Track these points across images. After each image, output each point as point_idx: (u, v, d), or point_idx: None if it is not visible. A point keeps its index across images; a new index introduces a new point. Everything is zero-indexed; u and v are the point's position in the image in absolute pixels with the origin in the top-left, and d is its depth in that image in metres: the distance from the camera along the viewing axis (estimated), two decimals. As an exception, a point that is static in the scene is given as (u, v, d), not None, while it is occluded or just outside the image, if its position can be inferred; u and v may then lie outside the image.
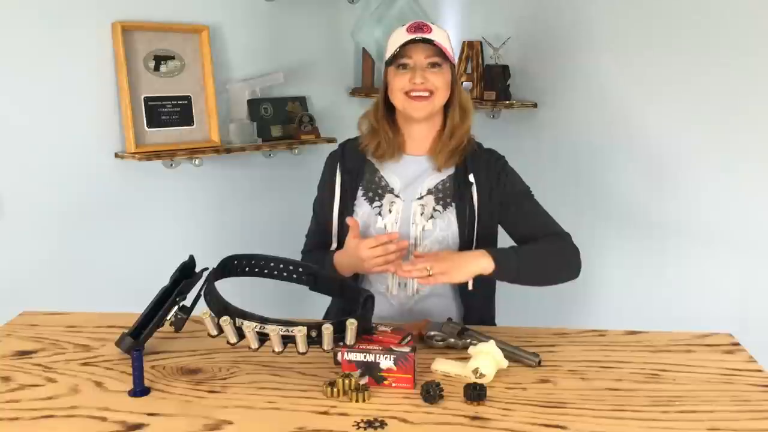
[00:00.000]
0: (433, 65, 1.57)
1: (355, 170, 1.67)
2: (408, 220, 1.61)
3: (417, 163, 1.66)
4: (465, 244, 1.60)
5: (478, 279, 1.57)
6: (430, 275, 1.40)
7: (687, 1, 2.11)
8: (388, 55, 1.60)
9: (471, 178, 1.62)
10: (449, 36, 1.63)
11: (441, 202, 1.62)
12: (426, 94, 1.57)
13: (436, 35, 1.57)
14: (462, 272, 1.45)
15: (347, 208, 1.65)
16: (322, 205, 1.72)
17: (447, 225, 1.60)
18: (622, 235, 2.36)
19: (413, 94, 1.57)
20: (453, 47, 1.65)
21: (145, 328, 1.35)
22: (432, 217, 1.61)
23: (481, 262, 1.46)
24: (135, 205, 2.30)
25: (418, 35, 1.55)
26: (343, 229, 1.62)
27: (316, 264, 1.54)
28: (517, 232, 1.63)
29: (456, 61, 1.70)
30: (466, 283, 1.61)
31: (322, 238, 1.70)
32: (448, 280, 1.46)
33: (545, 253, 1.57)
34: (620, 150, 2.35)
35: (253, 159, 2.56)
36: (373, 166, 1.68)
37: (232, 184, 2.53)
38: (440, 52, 1.57)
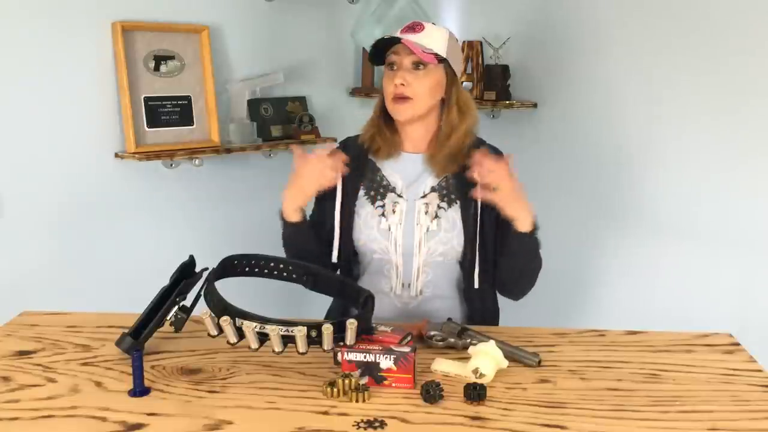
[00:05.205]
0: (417, 66, 1.54)
1: (355, 168, 1.66)
2: (412, 220, 1.60)
3: (417, 161, 1.65)
4: (469, 242, 1.59)
5: (484, 281, 1.60)
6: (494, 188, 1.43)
7: (687, 1, 2.11)
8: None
9: (476, 175, 1.61)
10: (451, 34, 1.59)
11: (445, 199, 1.61)
12: (407, 95, 1.55)
13: (427, 34, 1.54)
14: (521, 207, 1.48)
15: (348, 208, 1.64)
16: (319, 201, 1.69)
17: (451, 225, 1.59)
18: (622, 234, 2.36)
19: (396, 95, 1.56)
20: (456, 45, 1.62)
21: (145, 328, 1.35)
22: (436, 216, 1.60)
23: (530, 216, 1.49)
24: (135, 205, 2.30)
25: (404, 35, 1.54)
26: (343, 226, 1.62)
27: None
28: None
29: (459, 59, 1.67)
30: (471, 284, 1.61)
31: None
32: (502, 203, 1.47)
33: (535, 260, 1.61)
34: (620, 150, 2.35)
35: (253, 159, 2.56)
36: (374, 164, 1.67)
37: (232, 184, 2.53)
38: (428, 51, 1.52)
